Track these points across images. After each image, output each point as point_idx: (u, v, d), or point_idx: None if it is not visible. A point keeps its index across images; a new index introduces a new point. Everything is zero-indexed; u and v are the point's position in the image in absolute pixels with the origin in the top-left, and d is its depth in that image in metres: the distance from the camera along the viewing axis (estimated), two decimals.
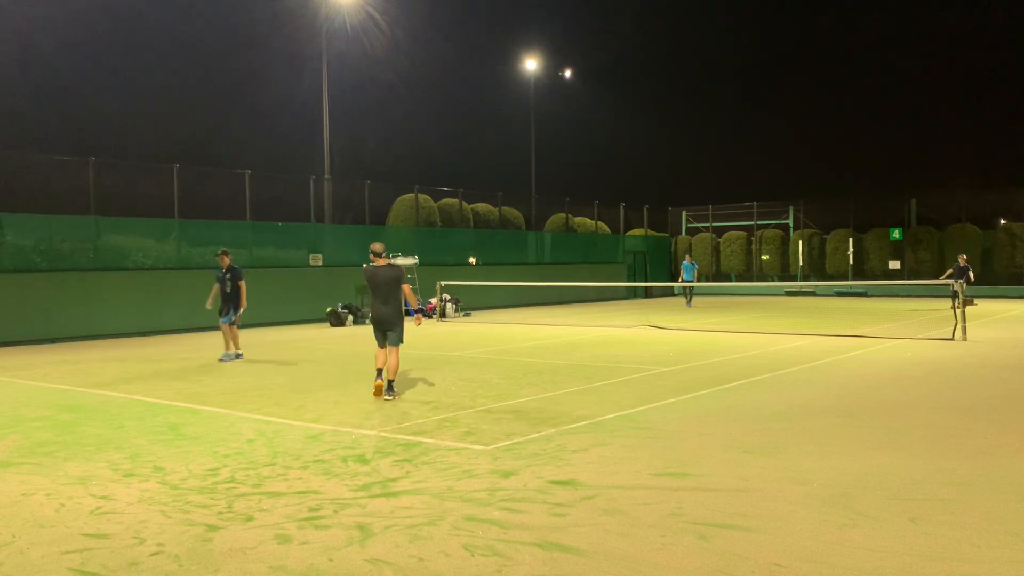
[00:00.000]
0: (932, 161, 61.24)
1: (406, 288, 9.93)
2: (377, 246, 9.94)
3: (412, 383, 11.00)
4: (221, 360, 13.73)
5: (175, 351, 15.92)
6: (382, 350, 9.91)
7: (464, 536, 4.83)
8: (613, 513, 5.22)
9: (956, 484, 5.80)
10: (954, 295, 24.24)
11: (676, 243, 41.30)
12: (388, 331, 9.86)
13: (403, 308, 10.09)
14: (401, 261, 10.58)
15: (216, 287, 14.03)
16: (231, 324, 13.85)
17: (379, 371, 9.82)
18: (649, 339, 16.92)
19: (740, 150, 71.41)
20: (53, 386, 11.38)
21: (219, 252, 14.19)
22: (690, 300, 29.07)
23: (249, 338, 18.43)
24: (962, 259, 24.64)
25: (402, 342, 9.96)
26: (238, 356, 13.90)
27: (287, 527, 5.05)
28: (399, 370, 10.22)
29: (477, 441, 7.37)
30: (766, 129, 71.02)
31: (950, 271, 24.06)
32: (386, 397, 9.61)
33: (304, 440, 7.54)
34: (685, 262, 29.24)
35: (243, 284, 13.83)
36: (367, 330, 20.90)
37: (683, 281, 29.08)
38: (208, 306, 14.37)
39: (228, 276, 13.84)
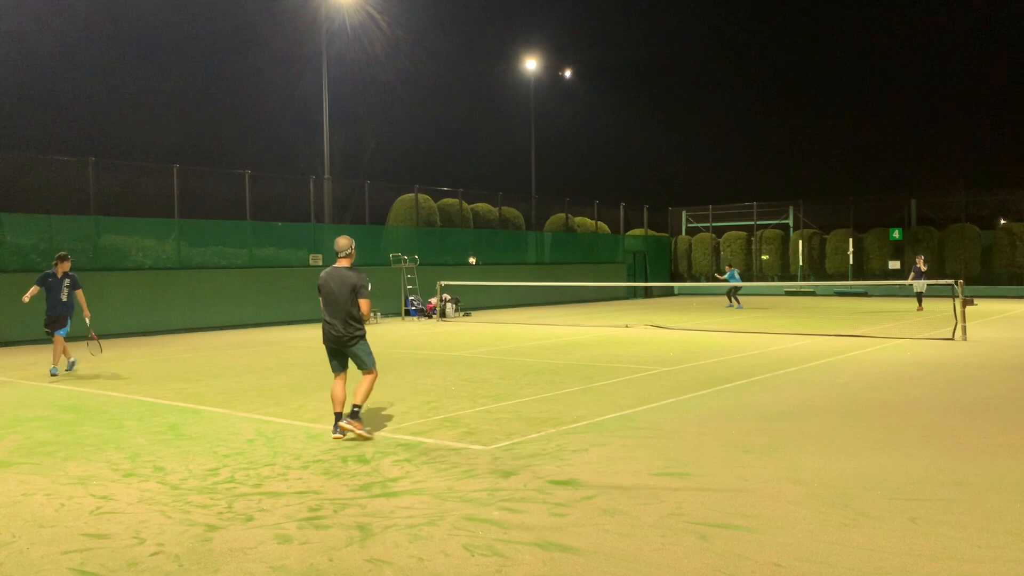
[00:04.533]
0: (932, 161, 61.22)
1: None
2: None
3: (413, 383, 11.00)
4: (67, 370, 12.75)
5: (175, 351, 15.92)
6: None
7: (464, 536, 4.83)
8: (613, 513, 5.22)
9: (956, 484, 5.80)
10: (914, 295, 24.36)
11: (676, 243, 41.30)
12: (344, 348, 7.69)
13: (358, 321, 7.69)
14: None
15: (36, 289, 12.57)
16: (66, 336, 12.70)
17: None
18: (649, 339, 16.91)
19: (740, 150, 71.44)
20: (53, 386, 11.38)
21: (59, 256, 12.69)
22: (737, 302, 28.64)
23: (250, 337, 18.44)
24: (920, 260, 25.21)
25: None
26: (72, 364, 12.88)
27: (287, 527, 5.05)
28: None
29: (477, 441, 7.36)
30: (766, 129, 71.03)
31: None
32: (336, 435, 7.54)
33: (304, 440, 7.53)
34: (731, 272, 29.06)
35: (80, 293, 12.70)
36: (367, 330, 20.89)
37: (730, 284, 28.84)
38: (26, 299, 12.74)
39: (66, 283, 12.55)
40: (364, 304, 7.61)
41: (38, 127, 39.57)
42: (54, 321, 12.53)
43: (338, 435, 7.45)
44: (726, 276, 29.01)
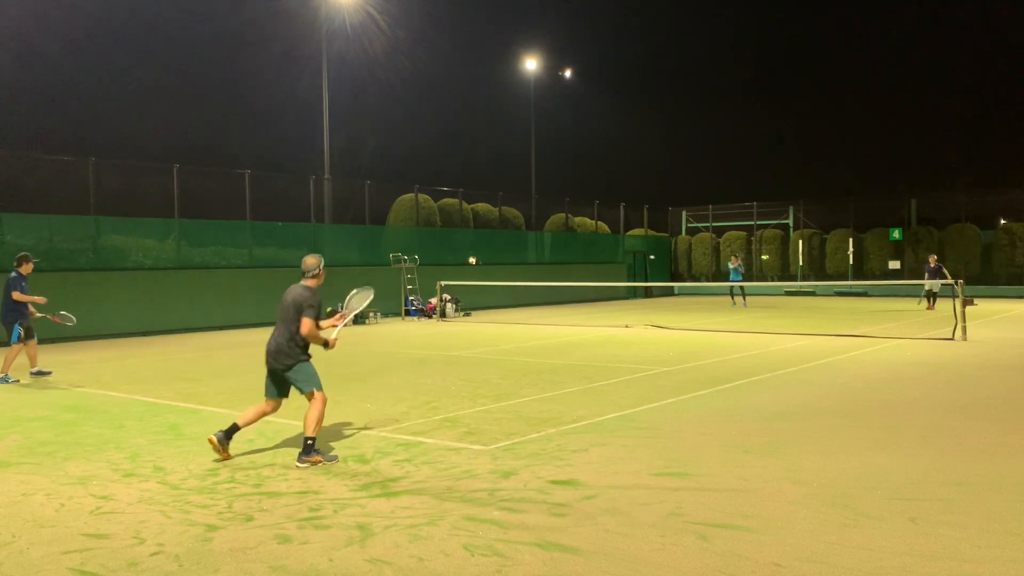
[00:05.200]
0: (932, 161, 61.22)
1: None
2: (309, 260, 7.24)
3: (413, 383, 11.00)
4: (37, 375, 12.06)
5: (175, 351, 15.93)
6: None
7: (464, 536, 4.83)
8: (613, 513, 5.22)
9: (956, 484, 5.80)
10: (931, 295, 24.88)
11: (676, 243, 41.30)
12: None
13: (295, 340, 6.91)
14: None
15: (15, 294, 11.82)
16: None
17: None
18: (649, 339, 16.91)
19: (740, 150, 71.35)
20: (53, 386, 11.38)
21: (24, 257, 12.13)
22: (739, 299, 28.62)
23: (250, 337, 18.43)
24: (932, 259, 25.91)
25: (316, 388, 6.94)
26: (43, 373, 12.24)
27: (287, 527, 5.05)
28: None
29: (477, 441, 7.37)
30: (766, 129, 70.93)
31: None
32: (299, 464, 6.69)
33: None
34: (731, 265, 28.78)
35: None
36: (367, 330, 21.02)
37: (731, 282, 28.77)
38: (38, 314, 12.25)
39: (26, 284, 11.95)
40: (305, 324, 6.78)
41: (38, 127, 39.56)
42: (27, 325, 12.00)
43: (214, 439, 6.78)
44: (731, 271, 28.58)
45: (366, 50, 36.97)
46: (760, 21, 74.46)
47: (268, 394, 7.04)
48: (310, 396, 6.86)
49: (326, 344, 6.98)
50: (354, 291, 7.64)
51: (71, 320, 12.63)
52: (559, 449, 6.99)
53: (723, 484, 5.85)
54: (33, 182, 20.68)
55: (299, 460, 6.67)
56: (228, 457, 6.84)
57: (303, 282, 7.10)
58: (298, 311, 6.86)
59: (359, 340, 17.57)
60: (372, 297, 7.71)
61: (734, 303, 28.57)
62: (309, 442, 6.70)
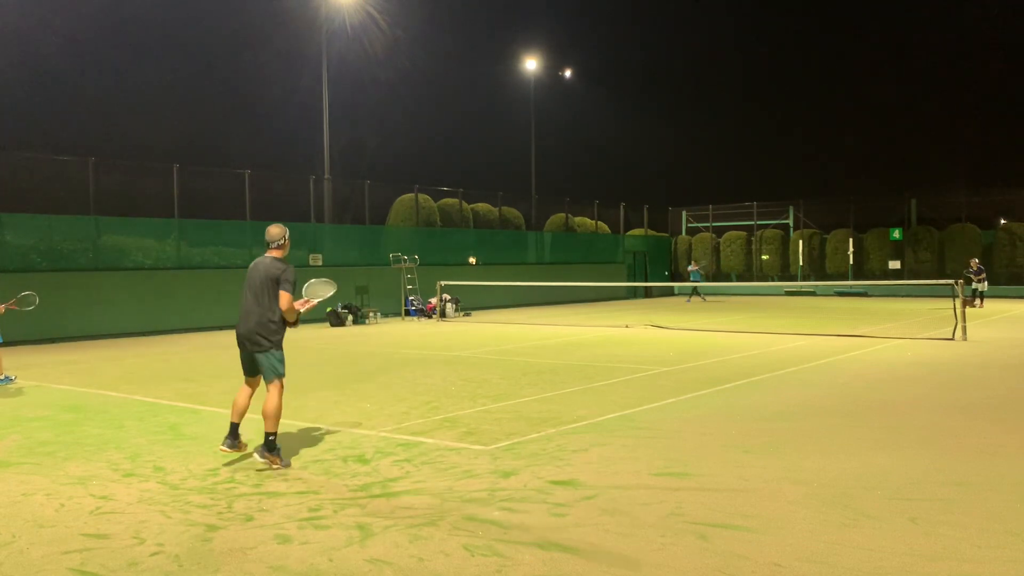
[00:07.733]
0: (932, 161, 61.14)
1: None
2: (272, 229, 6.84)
3: (413, 383, 11.00)
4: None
5: (175, 351, 15.93)
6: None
7: (464, 536, 4.83)
8: (613, 513, 5.22)
9: (956, 484, 5.80)
10: (977, 294, 25.34)
11: (676, 243, 41.29)
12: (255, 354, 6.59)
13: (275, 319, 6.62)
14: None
15: None
16: None
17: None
18: (649, 339, 16.91)
19: (740, 150, 71.29)
20: (53, 386, 11.37)
21: None
22: (697, 298, 32.13)
23: None
24: (974, 262, 26.65)
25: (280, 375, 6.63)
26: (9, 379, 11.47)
27: (287, 527, 5.05)
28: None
29: (477, 441, 7.36)
30: (766, 129, 70.87)
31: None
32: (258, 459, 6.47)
33: (304, 440, 7.53)
34: (692, 269, 32.54)
35: None
36: (367, 330, 21.02)
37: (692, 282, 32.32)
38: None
39: None
40: (284, 297, 6.47)
41: (38, 127, 39.55)
42: None
43: (225, 448, 6.56)
44: (692, 273, 32.25)
45: (366, 50, 36.97)
46: (760, 21, 74.46)
47: (249, 374, 6.78)
48: (270, 383, 6.52)
49: (295, 323, 6.70)
50: (312, 280, 7.29)
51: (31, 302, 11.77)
52: (559, 449, 6.99)
53: (723, 484, 5.85)
54: (33, 182, 20.69)
55: (258, 453, 6.40)
56: (245, 448, 6.65)
57: (269, 253, 6.73)
58: (275, 283, 6.49)
59: (359, 340, 17.58)
60: (334, 290, 7.30)
61: (689, 300, 31.97)
62: (272, 437, 6.42)
